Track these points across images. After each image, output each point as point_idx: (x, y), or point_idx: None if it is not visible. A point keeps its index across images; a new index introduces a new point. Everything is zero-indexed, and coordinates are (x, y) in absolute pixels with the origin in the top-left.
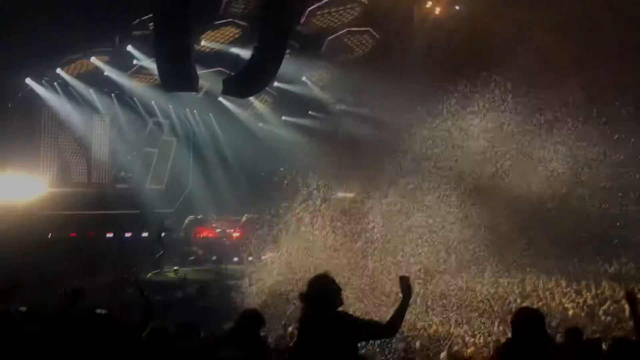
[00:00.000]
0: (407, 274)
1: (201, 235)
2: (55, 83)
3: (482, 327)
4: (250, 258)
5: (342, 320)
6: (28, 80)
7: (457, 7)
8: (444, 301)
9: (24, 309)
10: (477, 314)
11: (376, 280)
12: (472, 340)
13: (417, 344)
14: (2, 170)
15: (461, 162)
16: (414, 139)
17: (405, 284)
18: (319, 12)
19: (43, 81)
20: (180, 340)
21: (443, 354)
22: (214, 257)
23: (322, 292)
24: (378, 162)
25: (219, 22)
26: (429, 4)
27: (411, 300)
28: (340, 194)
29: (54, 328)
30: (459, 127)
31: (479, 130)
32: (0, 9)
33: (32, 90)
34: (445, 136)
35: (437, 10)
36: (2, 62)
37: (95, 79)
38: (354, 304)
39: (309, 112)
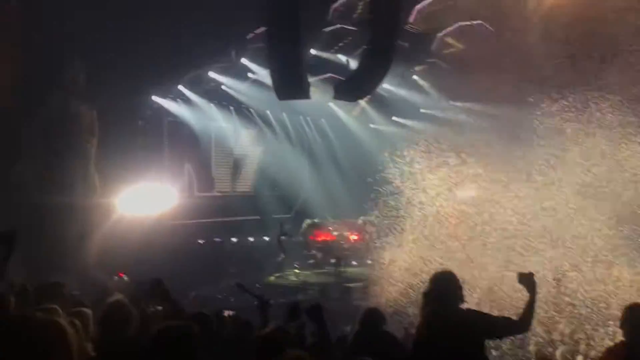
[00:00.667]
0: (526, 271)
1: (319, 239)
2: (178, 99)
3: (612, 328)
4: (369, 261)
5: (465, 317)
6: (154, 98)
7: None
8: (574, 298)
9: (160, 308)
10: (606, 313)
11: (499, 287)
12: (602, 341)
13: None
14: (137, 183)
15: (581, 156)
16: (531, 135)
17: (526, 281)
18: (428, 10)
19: (167, 98)
20: (301, 340)
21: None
22: (333, 260)
23: (444, 289)
24: (495, 159)
25: (328, 28)
26: None
27: (540, 296)
28: (461, 193)
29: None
30: (580, 120)
31: (602, 123)
32: (124, 32)
33: (158, 108)
34: (563, 132)
35: None
36: (130, 82)
37: (214, 92)
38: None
39: (420, 111)
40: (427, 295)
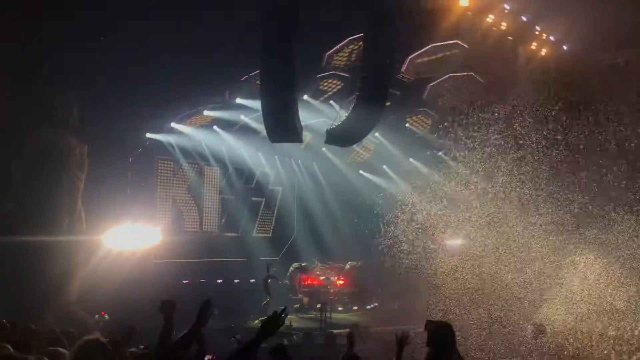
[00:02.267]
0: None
1: (306, 283)
2: (170, 137)
3: None
4: (355, 307)
5: None
6: (148, 135)
7: (564, 47)
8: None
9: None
10: None
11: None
12: None
13: None
14: (123, 221)
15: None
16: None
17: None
18: (419, 60)
19: (160, 134)
20: None
21: None
22: (318, 305)
23: (444, 338)
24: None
25: (322, 74)
26: (534, 45)
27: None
28: (449, 242)
29: None
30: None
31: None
32: (120, 68)
33: (149, 145)
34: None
35: (543, 51)
36: (124, 118)
37: (206, 131)
38: None
39: (410, 160)
40: (428, 344)
